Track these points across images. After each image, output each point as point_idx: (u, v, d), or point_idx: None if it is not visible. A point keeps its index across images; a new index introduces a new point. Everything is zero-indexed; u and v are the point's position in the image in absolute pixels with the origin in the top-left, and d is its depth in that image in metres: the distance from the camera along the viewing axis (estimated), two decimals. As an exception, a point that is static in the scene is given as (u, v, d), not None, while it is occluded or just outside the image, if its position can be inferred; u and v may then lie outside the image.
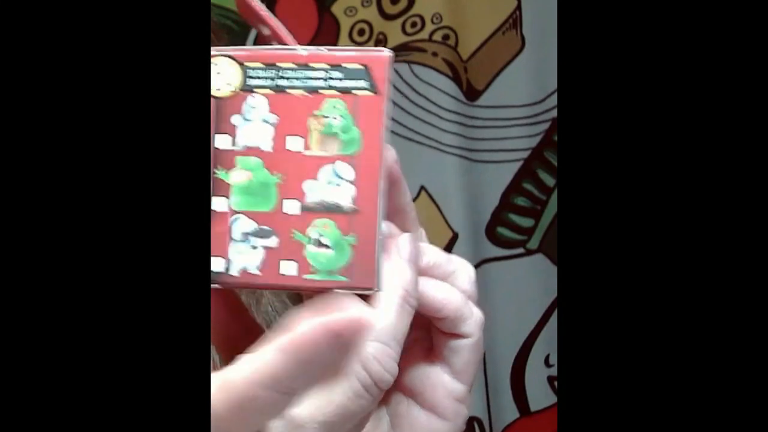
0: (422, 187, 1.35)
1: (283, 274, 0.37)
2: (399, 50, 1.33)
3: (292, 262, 0.37)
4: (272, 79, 0.37)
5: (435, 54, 1.35)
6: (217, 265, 0.37)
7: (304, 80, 0.37)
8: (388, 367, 0.37)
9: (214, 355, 0.39)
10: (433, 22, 1.34)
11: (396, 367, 0.37)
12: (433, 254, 0.41)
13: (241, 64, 0.38)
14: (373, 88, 0.37)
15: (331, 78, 0.37)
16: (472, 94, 1.36)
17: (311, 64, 0.37)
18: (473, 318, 0.41)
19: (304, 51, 0.37)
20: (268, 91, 0.37)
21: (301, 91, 0.37)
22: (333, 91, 0.37)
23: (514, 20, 1.36)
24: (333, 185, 0.37)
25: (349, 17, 1.32)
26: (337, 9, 1.32)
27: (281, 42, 0.39)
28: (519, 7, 1.36)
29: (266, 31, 0.40)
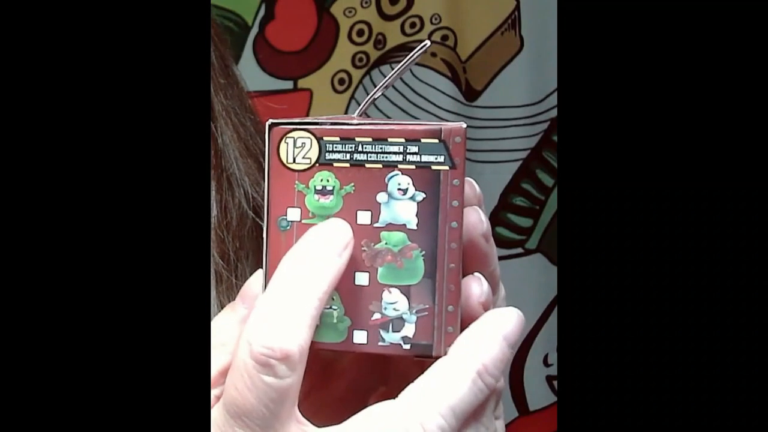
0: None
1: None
2: (398, 51, 1.33)
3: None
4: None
5: (434, 54, 1.35)
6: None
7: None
8: None
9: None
10: (432, 22, 1.34)
11: None
12: None
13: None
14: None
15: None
16: (470, 94, 1.36)
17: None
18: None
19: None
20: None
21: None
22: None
23: (513, 21, 1.36)
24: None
25: (348, 18, 1.32)
26: (336, 9, 1.32)
27: None
28: (518, 8, 1.36)
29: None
